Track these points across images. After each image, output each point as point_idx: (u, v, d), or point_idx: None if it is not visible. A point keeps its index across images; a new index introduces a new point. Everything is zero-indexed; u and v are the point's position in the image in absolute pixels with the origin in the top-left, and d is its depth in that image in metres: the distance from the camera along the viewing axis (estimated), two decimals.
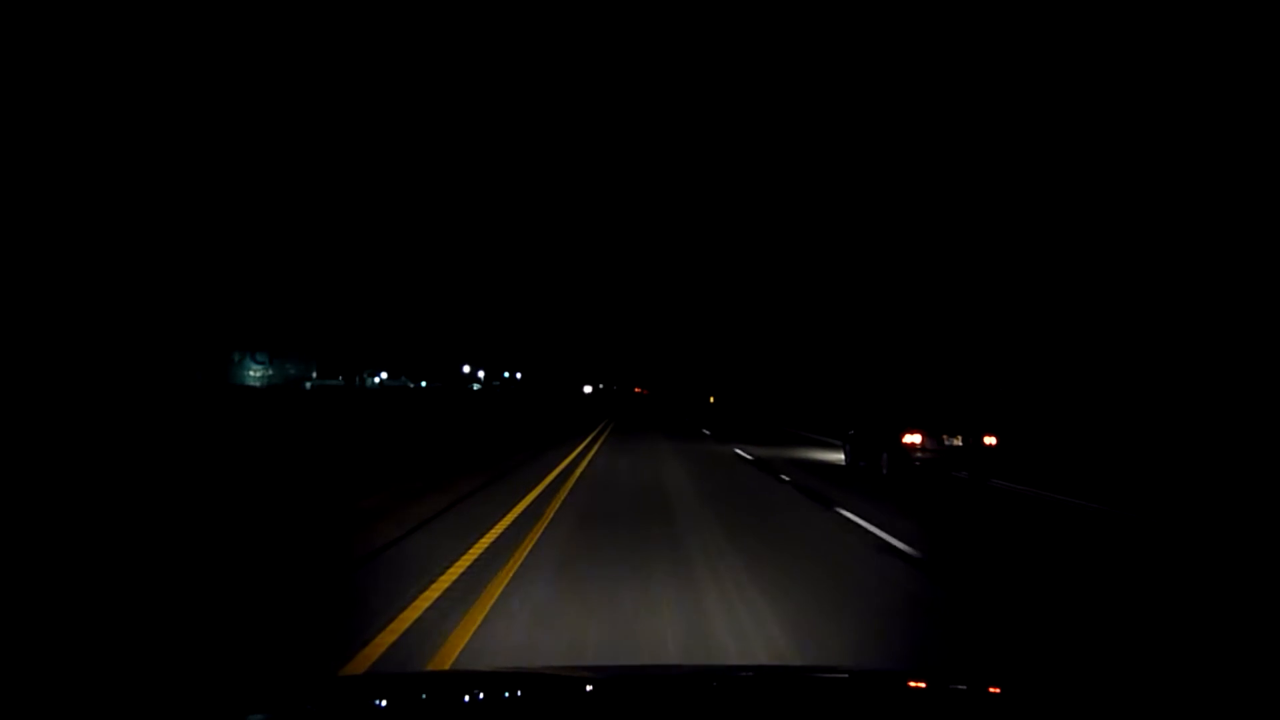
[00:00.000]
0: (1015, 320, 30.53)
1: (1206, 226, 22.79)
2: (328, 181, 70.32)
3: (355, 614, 5.03)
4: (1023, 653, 4.82)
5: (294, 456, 15.60)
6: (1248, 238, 21.50)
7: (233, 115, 55.69)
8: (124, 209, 43.78)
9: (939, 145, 36.94)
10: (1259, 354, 20.26)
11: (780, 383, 65.21)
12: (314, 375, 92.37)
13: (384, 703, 1.91)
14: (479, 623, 4.89)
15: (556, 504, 10.04)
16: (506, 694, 2.03)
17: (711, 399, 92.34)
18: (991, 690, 2.23)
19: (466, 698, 1.99)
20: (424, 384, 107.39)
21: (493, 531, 7.96)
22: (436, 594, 5.53)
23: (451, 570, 6.24)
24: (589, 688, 2.14)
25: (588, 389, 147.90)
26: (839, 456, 18.70)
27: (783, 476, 14.51)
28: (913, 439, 14.10)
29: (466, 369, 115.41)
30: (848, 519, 9.68)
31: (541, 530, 8.13)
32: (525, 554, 6.94)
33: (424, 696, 2.02)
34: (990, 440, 14.11)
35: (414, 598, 5.41)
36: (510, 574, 6.18)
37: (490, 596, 5.51)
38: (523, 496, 10.61)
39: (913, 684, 2.33)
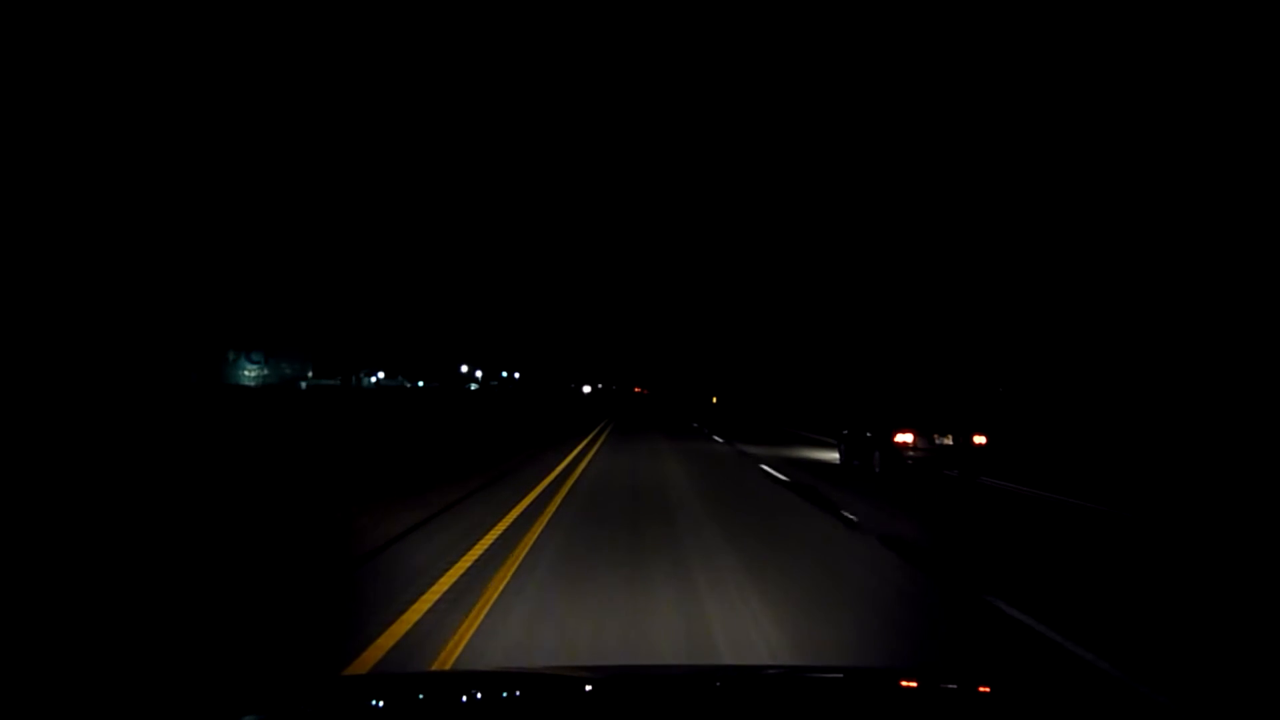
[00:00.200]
0: (1005, 322, 30.67)
1: (1200, 226, 22.89)
2: (324, 181, 70.29)
3: (355, 613, 5.10)
4: (1012, 647, 4.92)
5: (287, 458, 15.61)
6: (1243, 237, 21.61)
7: (229, 115, 55.65)
8: (120, 209, 43.72)
9: (934, 149, 37.06)
10: (1251, 355, 20.38)
11: (780, 382, 65.31)
12: (310, 375, 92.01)
13: (385, 703, 1.92)
14: (479, 622, 4.98)
15: (556, 504, 10.13)
16: (506, 694, 2.05)
17: (714, 399, 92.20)
18: (981, 690, 2.25)
19: (466, 698, 2.00)
20: (420, 384, 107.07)
21: (493, 532, 8.03)
22: (436, 596, 5.61)
23: (452, 570, 6.32)
24: (589, 688, 2.16)
25: (587, 389, 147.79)
26: (834, 455, 18.88)
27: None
28: (904, 438, 14.25)
29: (464, 369, 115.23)
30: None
31: (541, 530, 8.21)
32: (524, 554, 7.01)
33: (425, 697, 2.04)
34: (980, 439, 14.29)
35: (414, 598, 5.49)
36: (510, 574, 6.25)
37: (491, 596, 5.59)
38: (523, 497, 10.68)
39: (905, 683, 2.36)
